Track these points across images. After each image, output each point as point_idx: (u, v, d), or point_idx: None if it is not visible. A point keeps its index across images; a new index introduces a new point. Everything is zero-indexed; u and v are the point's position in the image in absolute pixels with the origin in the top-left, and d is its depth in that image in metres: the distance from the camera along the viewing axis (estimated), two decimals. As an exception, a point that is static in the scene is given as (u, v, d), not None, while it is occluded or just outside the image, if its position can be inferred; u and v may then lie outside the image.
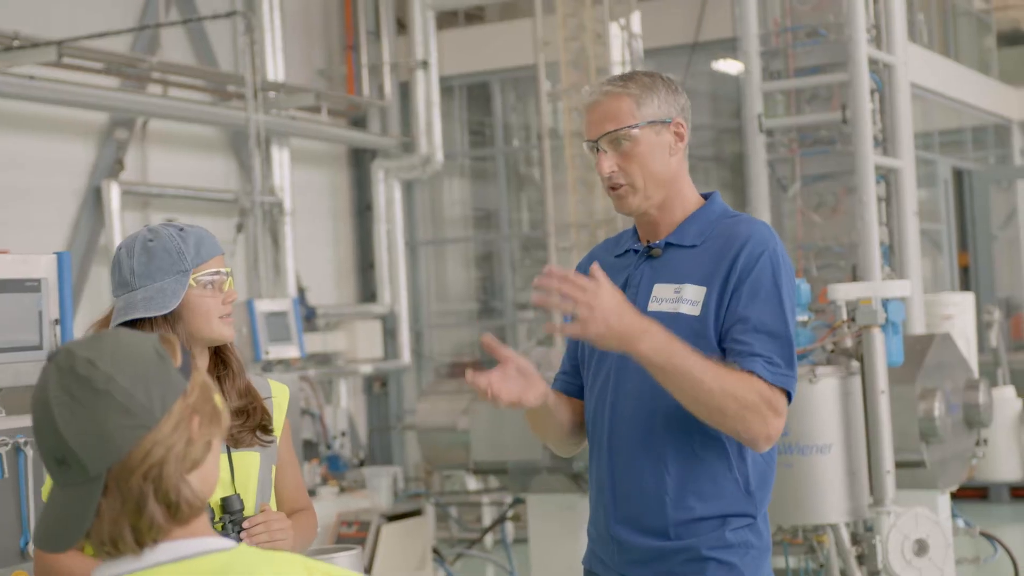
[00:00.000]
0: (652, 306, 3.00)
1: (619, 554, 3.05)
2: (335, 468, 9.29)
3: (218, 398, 1.87)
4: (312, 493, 8.43)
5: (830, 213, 9.27)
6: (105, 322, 2.94)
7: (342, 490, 8.80)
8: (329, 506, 8.33)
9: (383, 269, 12.81)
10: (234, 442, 2.93)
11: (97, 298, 10.14)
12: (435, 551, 8.53)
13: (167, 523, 1.78)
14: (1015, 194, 16.09)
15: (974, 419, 6.31)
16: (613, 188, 3.06)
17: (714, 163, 13.65)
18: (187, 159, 11.30)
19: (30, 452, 3.35)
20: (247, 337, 9.19)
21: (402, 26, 13.05)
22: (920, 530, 5.49)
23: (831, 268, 9.21)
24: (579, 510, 6.54)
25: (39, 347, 3.43)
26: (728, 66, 12.55)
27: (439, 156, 12.72)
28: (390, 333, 12.84)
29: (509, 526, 9.59)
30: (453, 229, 14.16)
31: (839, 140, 9.17)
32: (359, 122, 13.16)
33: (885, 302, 5.53)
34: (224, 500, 2.86)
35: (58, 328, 3.46)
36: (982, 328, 11.41)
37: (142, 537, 1.78)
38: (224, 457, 2.91)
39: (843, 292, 5.59)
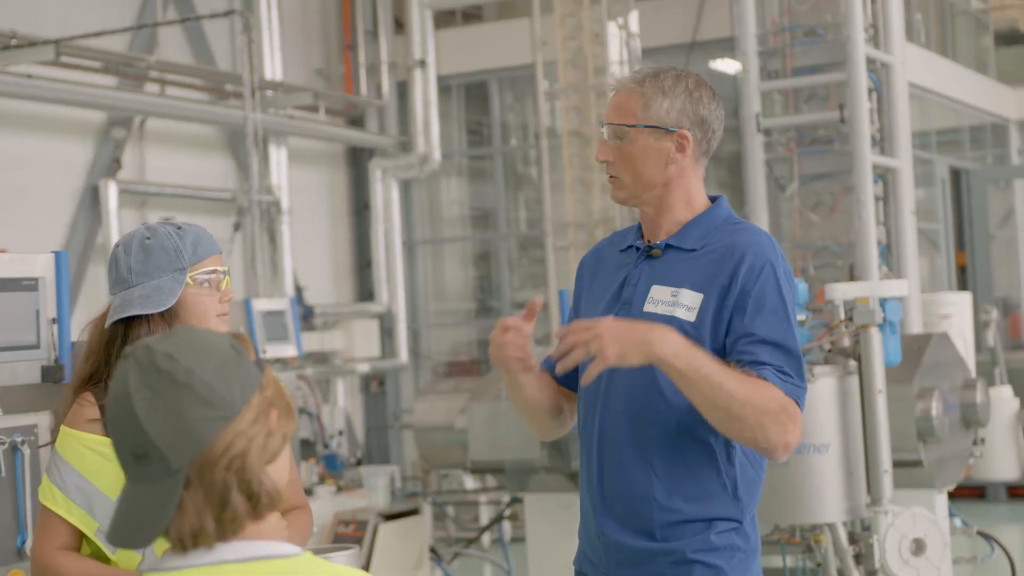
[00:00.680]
0: (648, 307, 3.00)
1: (607, 555, 3.05)
2: (332, 467, 9.29)
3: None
4: (309, 492, 8.43)
5: (828, 212, 9.27)
6: (102, 319, 2.94)
7: (339, 489, 8.80)
8: (326, 505, 8.32)
9: (381, 268, 12.81)
10: (231, 441, 2.93)
11: (94, 297, 10.13)
12: (432, 550, 8.53)
13: (247, 515, 1.80)
14: (1012, 193, 16.09)
15: (971, 418, 6.32)
16: (608, 174, 3.09)
17: (712, 162, 13.60)
18: (185, 158, 11.30)
19: (27, 451, 3.35)
20: (245, 336, 9.18)
21: (400, 25, 13.05)
22: (917, 529, 5.49)
23: (829, 267, 9.21)
24: (576, 509, 6.51)
25: (36, 346, 3.42)
26: (726, 65, 12.55)
27: (437, 155, 12.71)
28: (387, 332, 12.83)
29: (506, 525, 9.59)
30: (451, 228, 14.16)
31: (837, 139, 9.17)
32: (357, 121, 13.15)
33: (883, 301, 5.53)
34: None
35: (55, 327, 3.45)
36: (979, 327, 11.41)
37: (224, 529, 1.79)
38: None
39: (841, 291, 5.59)
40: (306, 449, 9.53)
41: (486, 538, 10.18)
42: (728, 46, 10.92)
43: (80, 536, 2.88)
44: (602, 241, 3.27)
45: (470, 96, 13.81)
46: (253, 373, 1.83)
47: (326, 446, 9.65)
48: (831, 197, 9.23)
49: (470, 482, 10.84)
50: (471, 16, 14.12)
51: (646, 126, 2.99)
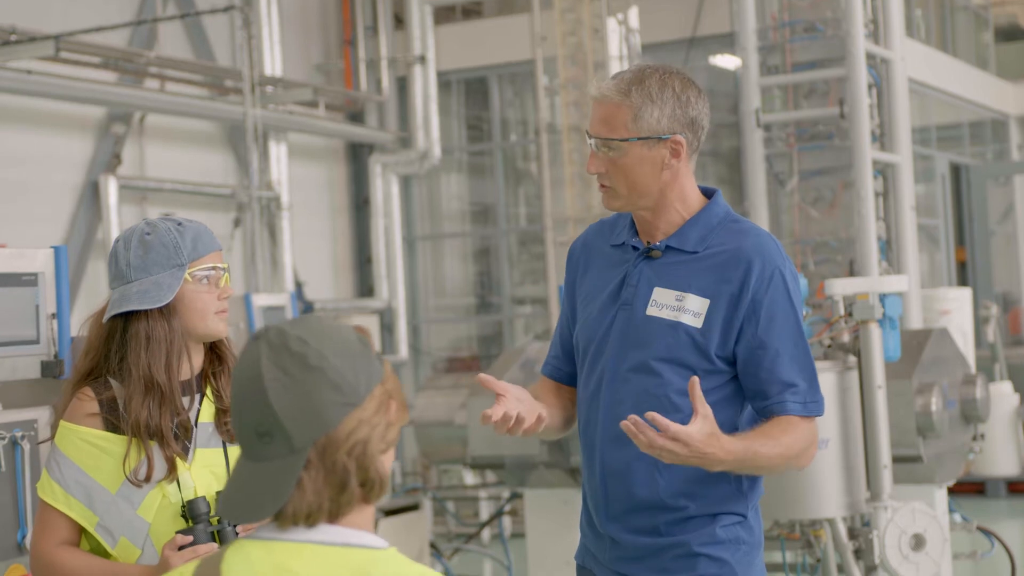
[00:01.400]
0: (651, 310, 2.98)
1: (611, 550, 3.05)
2: (332, 463, 9.29)
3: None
4: (309, 488, 8.41)
5: (827, 208, 9.27)
6: (101, 314, 2.95)
7: (339, 485, 8.79)
8: (326, 501, 8.32)
9: (381, 264, 12.81)
10: (230, 437, 2.93)
11: (94, 292, 10.14)
12: (432, 546, 8.53)
13: (360, 500, 1.86)
14: (1012, 189, 16.08)
15: (971, 414, 6.31)
16: (600, 184, 3.04)
17: (711, 158, 13.64)
18: (184, 154, 11.30)
19: (27, 446, 3.35)
20: (244, 332, 9.19)
21: (399, 21, 13.05)
22: (917, 525, 5.49)
23: (828, 263, 9.21)
24: (576, 505, 6.54)
25: (36, 341, 3.42)
26: (726, 61, 12.54)
27: (436, 151, 12.71)
28: (387, 328, 12.84)
29: (506, 521, 9.59)
30: (451, 224, 14.16)
31: (837, 135, 9.17)
32: (357, 117, 13.15)
33: (882, 297, 5.53)
34: (220, 494, 2.86)
35: (55, 322, 3.45)
36: (979, 323, 11.41)
37: (339, 510, 1.85)
38: (220, 452, 2.92)
39: (840, 287, 5.58)
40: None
41: (486, 533, 10.18)
42: (728, 42, 10.92)
43: (80, 531, 2.88)
44: (589, 230, 3.21)
45: (470, 92, 13.80)
46: (376, 365, 1.90)
47: (326, 442, 9.64)
48: (831, 193, 9.23)
49: (470, 477, 10.84)
50: (471, 12, 14.11)
51: (639, 139, 2.94)
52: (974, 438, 6.41)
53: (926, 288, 10.95)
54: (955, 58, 14.81)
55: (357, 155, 13.29)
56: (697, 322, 2.93)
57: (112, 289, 2.94)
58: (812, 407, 2.96)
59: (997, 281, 15.22)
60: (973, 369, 6.74)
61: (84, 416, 2.87)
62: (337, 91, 12.56)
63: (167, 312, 2.89)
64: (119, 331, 2.90)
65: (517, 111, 13.95)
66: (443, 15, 13.41)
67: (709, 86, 13.15)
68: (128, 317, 2.89)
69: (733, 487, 2.99)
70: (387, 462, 1.90)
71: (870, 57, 9.02)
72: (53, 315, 3.45)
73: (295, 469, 1.82)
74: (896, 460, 5.70)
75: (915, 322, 8.97)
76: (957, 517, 6.60)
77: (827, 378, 5.46)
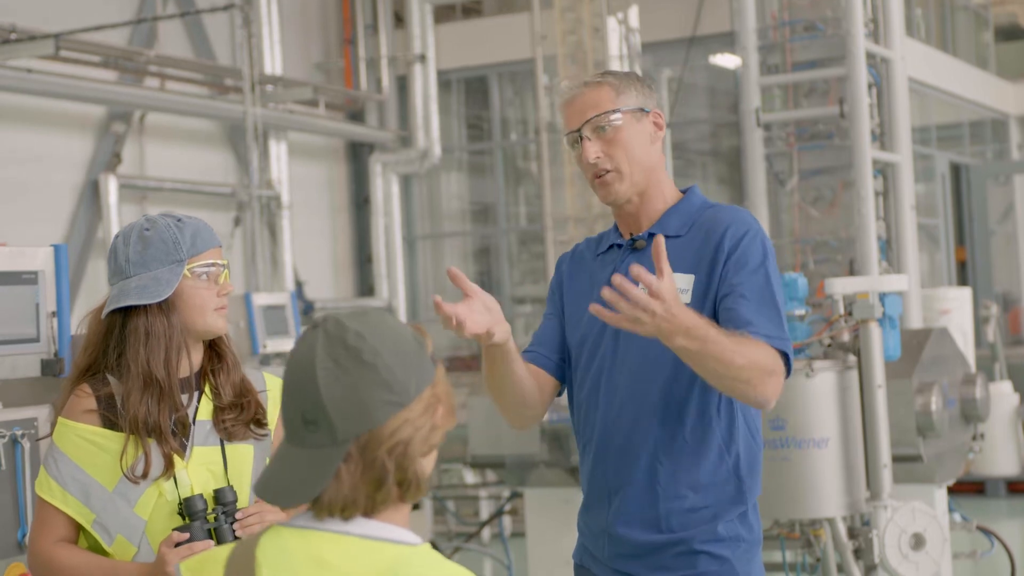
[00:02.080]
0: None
1: (611, 547, 3.06)
2: (332, 462, 9.29)
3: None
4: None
5: (827, 207, 9.27)
6: (100, 310, 2.94)
7: (339, 484, 8.80)
8: (326, 500, 8.33)
9: (381, 263, 12.81)
10: (228, 435, 2.93)
11: (94, 291, 10.14)
12: (432, 544, 8.53)
13: (396, 499, 1.88)
14: (1012, 189, 16.09)
15: (971, 414, 6.31)
16: (598, 176, 3.05)
17: (711, 157, 13.64)
18: (184, 152, 11.30)
19: (27, 445, 3.35)
20: (244, 331, 9.19)
21: (400, 20, 13.05)
22: (917, 524, 5.49)
23: (828, 262, 9.21)
24: (576, 504, 6.53)
25: (36, 340, 3.42)
26: (726, 60, 12.54)
27: (437, 150, 12.71)
28: (387, 327, 12.83)
29: (506, 520, 9.59)
30: (451, 223, 14.16)
31: (837, 134, 9.17)
32: (357, 116, 13.15)
33: (882, 296, 5.53)
34: (217, 492, 2.86)
35: (55, 321, 3.45)
36: (979, 323, 11.41)
37: (374, 506, 1.87)
38: (218, 450, 2.92)
39: (840, 286, 5.58)
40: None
41: (486, 533, 10.18)
42: (728, 41, 10.92)
43: (78, 528, 2.87)
44: (576, 246, 3.28)
45: (470, 91, 13.80)
46: (428, 367, 1.92)
47: (326, 441, 9.64)
48: (831, 192, 9.24)
49: (470, 477, 10.84)
50: (471, 10, 14.11)
51: (629, 109, 3.03)
52: (974, 437, 6.41)
53: (926, 287, 10.95)
54: (955, 57, 14.81)
55: (357, 154, 13.29)
56: (686, 298, 2.97)
57: (111, 285, 2.93)
58: (776, 341, 2.90)
59: (997, 281, 15.22)
60: (973, 369, 6.74)
61: (81, 412, 2.87)
62: (337, 90, 12.56)
63: (166, 308, 2.88)
64: (118, 327, 2.89)
65: (517, 110, 13.95)
66: (443, 14, 13.41)
67: (709, 85, 13.15)
68: (127, 313, 2.89)
69: (733, 483, 3.00)
70: (428, 464, 1.91)
71: (870, 56, 9.02)
72: (53, 313, 3.45)
73: (335, 460, 1.84)
74: (896, 459, 5.70)
75: (915, 321, 8.97)
76: (957, 517, 6.60)
77: (827, 377, 5.46)
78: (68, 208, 10.20)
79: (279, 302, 9.74)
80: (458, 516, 10.58)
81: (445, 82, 13.19)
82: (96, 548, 2.88)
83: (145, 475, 2.83)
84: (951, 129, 15.35)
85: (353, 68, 12.98)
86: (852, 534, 5.59)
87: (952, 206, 14.67)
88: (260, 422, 2.98)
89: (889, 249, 9.15)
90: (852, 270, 8.89)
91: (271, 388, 3.05)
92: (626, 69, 2.73)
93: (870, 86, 9.00)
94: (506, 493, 9.27)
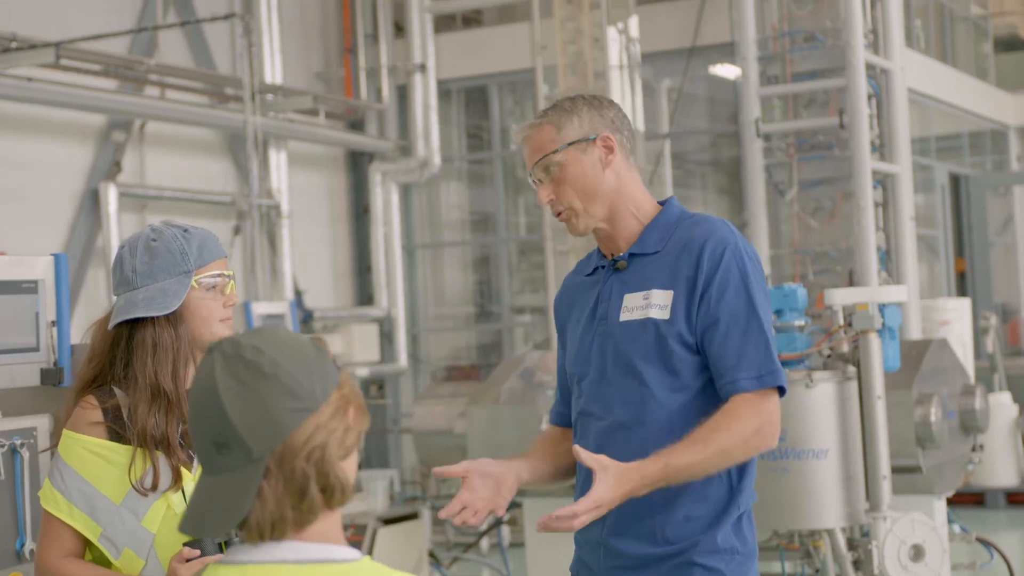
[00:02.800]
0: (624, 316, 3.04)
1: (606, 560, 3.06)
2: (331, 471, 9.28)
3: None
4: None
5: (827, 218, 9.28)
6: (105, 321, 2.93)
7: (338, 493, 8.78)
8: (325, 509, 8.30)
9: (380, 272, 12.81)
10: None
11: (94, 300, 10.14)
12: (431, 555, 8.52)
13: (322, 507, 1.84)
14: (1012, 200, 16.10)
15: (970, 424, 6.32)
16: (558, 215, 3.10)
17: (711, 167, 13.65)
18: (184, 161, 11.30)
19: (26, 454, 3.34)
20: (244, 340, 9.19)
21: (400, 29, 13.05)
22: (916, 535, 5.49)
23: (828, 273, 9.22)
24: (575, 514, 6.53)
25: (36, 349, 3.42)
26: (726, 70, 12.55)
27: (436, 159, 12.72)
28: (387, 336, 12.83)
29: (505, 530, 9.59)
30: (450, 232, 14.16)
31: (836, 145, 9.19)
32: (357, 125, 13.16)
33: (882, 307, 5.53)
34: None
35: (55, 330, 3.45)
36: (978, 333, 11.42)
37: (303, 519, 1.83)
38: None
39: (840, 297, 5.59)
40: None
41: (485, 543, 10.17)
42: (728, 51, 10.93)
43: (84, 541, 2.86)
44: (566, 277, 3.31)
45: (470, 100, 13.81)
46: (332, 371, 1.88)
47: (325, 450, 9.63)
48: (831, 203, 9.25)
49: (469, 486, 10.82)
50: (471, 20, 14.12)
51: (569, 144, 3.04)
52: (973, 449, 6.41)
53: (925, 298, 10.95)
54: (955, 69, 14.82)
55: (357, 163, 13.29)
56: (664, 314, 2.99)
57: (117, 296, 2.92)
58: (767, 379, 2.94)
59: (996, 291, 15.23)
60: (972, 379, 6.74)
61: (88, 425, 2.86)
62: (337, 99, 12.56)
63: (173, 319, 2.88)
64: (124, 338, 2.88)
65: (517, 120, 13.94)
66: (443, 23, 13.42)
67: (709, 95, 13.17)
68: (134, 324, 2.88)
69: (726, 492, 3.01)
70: (349, 467, 1.88)
71: (870, 67, 9.04)
72: (53, 323, 3.45)
73: (255, 479, 1.80)
74: (895, 470, 5.69)
75: (914, 332, 8.98)
76: (956, 528, 6.60)
77: (826, 388, 5.46)
78: (68, 216, 10.20)
79: (278, 311, 9.74)
80: (457, 526, 10.57)
81: (445, 92, 13.20)
82: (101, 562, 2.86)
83: (154, 487, 2.82)
84: (950, 140, 15.35)
85: (353, 77, 12.99)
86: (851, 545, 5.59)
87: (951, 217, 14.68)
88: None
89: (889, 260, 9.15)
90: (852, 281, 8.90)
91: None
92: (575, 95, 2.74)
93: (870, 97, 9.01)
94: (505, 503, 9.25)
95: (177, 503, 2.83)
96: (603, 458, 2.86)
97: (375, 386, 13.14)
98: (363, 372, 12.29)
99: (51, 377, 3.40)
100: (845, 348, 5.56)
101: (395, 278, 12.83)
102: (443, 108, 13.10)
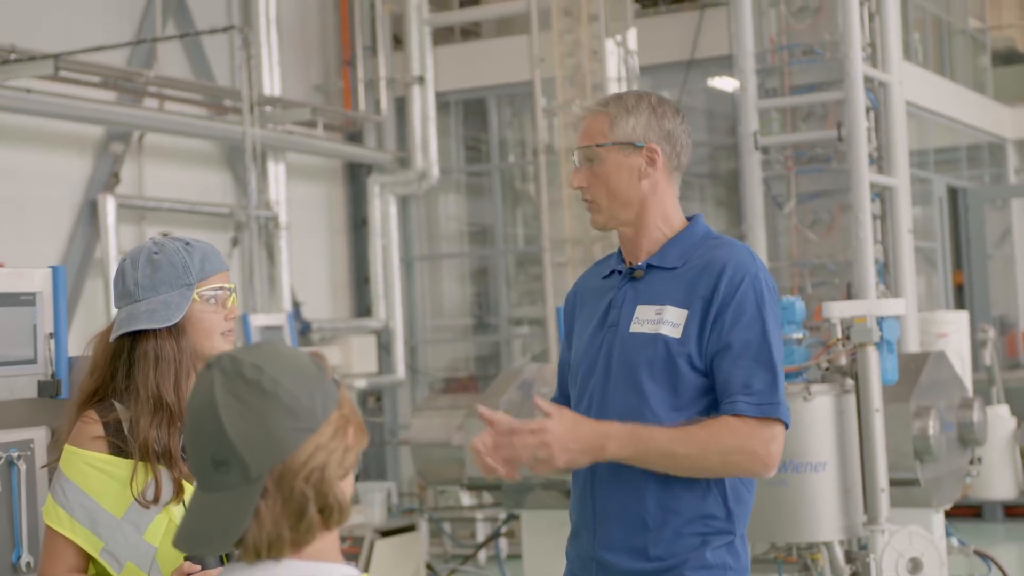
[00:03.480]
0: (634, 327, 3.02)
1: (598, 574, 3.05)
2: (329, 483, 9.27)
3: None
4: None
5: (825, 231, 9.29)
6: (107, 333, 2.93)
7: (336, 505, 8.77)
8: (323, 521, 8.29)
9: (378, 284, 12.81)
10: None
11: (92, 312, 10.13)
12: (429, 567, 8.52)
13: (319, 527, 1.82)
14: (1009, 213, 16.11)
15: (968, 437, 6.31)
16: (585, 200, 3.11)
17: (709, 180, 13.66)
18: (183, 173, 11.30)
19: (23, 467, 3.34)
20: (242, 351, 9.19)
21: (398, 42, 13.07)
22: (914, 548, 5.48)
23: (826, 286, 9.22)
24: (573, 527, 6.53)
25: (33, 361, 3.42)
26: (724, 83, 12.57)
27: (435, 171, 12.73)
28: (385, 348, 12.83)
29: (503, 542, 9.58)
30: (448, 244, 14.16)
31: (834, 158, 9.19)
32: (355, 137, 13.17)
33: (880, 320, 5.53)
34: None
35: (52, 342, 3.45)
36: (976, 346, 11.41)
37: (300, 539, 1.81)
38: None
39: (838, 310, 5.59)
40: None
41: (482, 555, 10.16)
42: (726, 64, 10.94)
43: (87, 557, 2.85)
44: (582, 276, 3.30)
45: (468, 112, 13.82)
46: (332, 389, 1.86)
47: (322, 462, 9.62)
48: (829, 215, 9.25)
49: (467, 499, 10.82)
50: (469, 33, 14.14)
51: (614, 143, 3.02)
52: (971, 461, 6.41)
53: (923, 311, 10.96)
54: (953, 82, 14.84)
55: (355, 175, 13.30)
56: (676, 332, 2.97)
57: (118, 308, 2.92)
58: (768, 409, 2.93)
59: (994, 304, 15.23)
60: (970, 392, 6.74)
61: (89, 439, 2.85)
62: (336, 111, 12.57)
63: (175, 332, 2.88)
64: (126, 350, 2.88)
65: (515, 132, 13.96)
66: (442, 36, 13.43)
67: (707, 108, 13.18)
68: (136, 337, 2.88)
69: (721, 513, 2.99)
70: (347, 487, 1.86)
71: (868, 80, 9.05)
72: (51, 335, 3.45)
73: (252, 498, 1.79)
74: (893, 483, 5.69)
75: (912, 345, 8.98)
76: (954, 541, 6.59)
77: (824, 401, 5.46)
78: (66, 228, 10.20)
79: (276, 323, 9.74)
80: (454, 538, 10.57)
81: (443, 104, 13.21)
82: (103, 575, 2.86)
83: (156, 500, 2.82)
84: (948, 153, 15.37)
85: (352, 89, 13.00)
86: (849, 558, 5.58)
87: (949, 230, 14.69)
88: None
89: (887, 272, 9.16)
90: (850, 293, 8.90)
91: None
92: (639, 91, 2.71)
93: (868, 110, 9.02)
94: (502, 515, 9.26)
95: (179, 516, 2.82)
96: (556, 406, 2.90)
97: (373, 398, 13.14)
98: (361, 384, 12.29)
99: (48, 389, 3.40)
100: (843, 361, 5.56)
101: (393, 290, 12.83)
102: (441, 120, 13.11)
